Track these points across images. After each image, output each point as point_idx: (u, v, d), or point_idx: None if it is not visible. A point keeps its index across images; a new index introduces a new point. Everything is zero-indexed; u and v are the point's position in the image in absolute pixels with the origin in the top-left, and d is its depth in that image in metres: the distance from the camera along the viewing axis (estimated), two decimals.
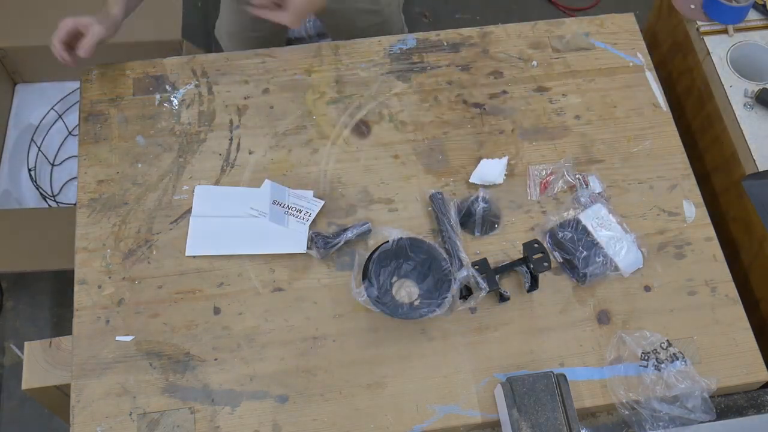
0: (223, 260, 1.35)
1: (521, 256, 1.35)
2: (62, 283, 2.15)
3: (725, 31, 1.70)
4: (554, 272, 1.36)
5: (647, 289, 1.35)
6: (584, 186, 1.43)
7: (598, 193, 1.41)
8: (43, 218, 1.99)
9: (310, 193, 1.41)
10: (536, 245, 1.31)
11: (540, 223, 1.39)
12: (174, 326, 1.29)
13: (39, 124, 2.18)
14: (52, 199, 2.09)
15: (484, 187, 1.41)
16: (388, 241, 1.30)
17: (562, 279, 1.35)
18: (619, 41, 1.61)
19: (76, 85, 2.16)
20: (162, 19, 2.12)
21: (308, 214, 1.37)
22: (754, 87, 1.62)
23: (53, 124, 2.18)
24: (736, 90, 1.63)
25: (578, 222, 1.36)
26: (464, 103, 1.53)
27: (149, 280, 1.32)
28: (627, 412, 1.23)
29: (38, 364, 1.29)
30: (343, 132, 1.48)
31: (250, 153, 1.45)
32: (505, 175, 1.44)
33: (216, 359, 1.26)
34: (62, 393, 1.32)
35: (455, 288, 1.26)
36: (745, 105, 1.61)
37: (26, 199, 2.11)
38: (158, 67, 1.54)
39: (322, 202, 1.39)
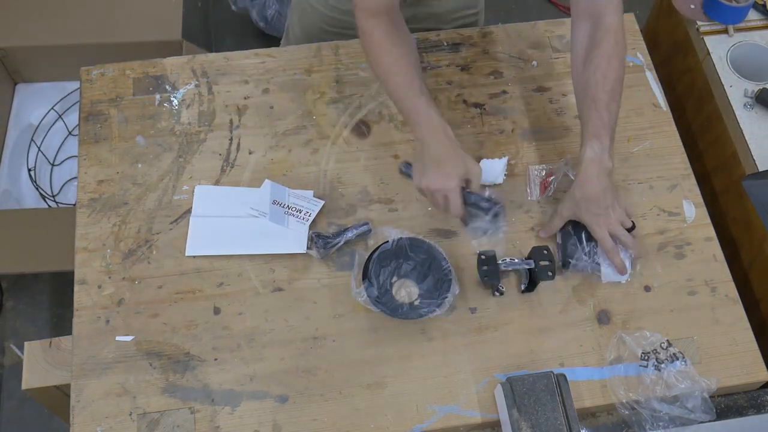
0: (223, 260, 1.35)
1: (522, 255, 1.35)
2: (62, 283, 2.15)
3: (725, 31, 1.70)
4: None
5: (647, 289, 1.35)
6: None
7: None
8: (43, 218, 1.99)
9: (310, 193, 1.41)
10: (545, 252, 1.31)
11: (541, 222, 1.39)
12: (174, 326, 1.29)
13: (39, 124, 2.18)
14: (52, 199, 2.09)
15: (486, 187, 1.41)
16: (388, 241, 1.30)
17: (562, 279, 1.35)
18: None
19: (76, 85, 2.16)
20: (162, 19, 2.12)
21: (308, 214, 1.37)
22: (754, 87, 1.62)
23: (53, 124, 2.18)
24: (736, 90, 1.63)
25: None
26: (464, 103, 1.53)
27: (149, 280, 1.32)
28: (627, 412, 1.23)
29: (38, 364, 1.29)
30: (343, 132, 1.48)
31: (250, 153, 1.45)
32: (505, 175, 1.44)
33: (216, 359, 1.26)
34: (62, 393, 1.32)
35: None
36: (745, 105, 1.61)
37: (26, 199, 2.11)
38: (158, 67, 1.54)
39: (322, 202, 1.39)
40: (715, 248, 1.40)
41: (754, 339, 1.32)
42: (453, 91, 1.54)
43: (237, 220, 1.37)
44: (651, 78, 1.57)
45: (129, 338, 1.27)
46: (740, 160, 1.57)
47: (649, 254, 1.38)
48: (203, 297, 1.31)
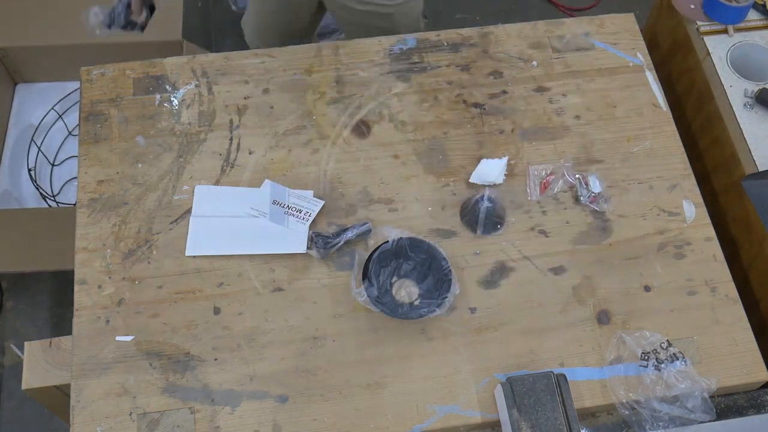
0: (223, 260, 1.35)
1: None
2: (62, 283, 2.15)
3: (725, 31, 1.70)
4: (555, 271, 1.36)
5: (647, 289, 1.35)
6: (584, 186, 1.43)
7: (598, 193, 1.41)
8: (43, 218, 1.99)
9: (310, 193, 1.41)
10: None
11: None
12: (174, 326, 1.29)
13: (39, 124, 2.18)
14: (52, 199, 2.09)
15: (486, 187, 1.41)
16: (388, 241, 1.30)
17: (562, 279, 1.35)
18: (619, 41, 1.61)
19: (76, 85, 2.16)
20: (162, 19, 2.11)
21: (308, 214, 1.37)
22: (754, 87, 1.62)
23: (53, 124, 2.18)
24: (736, 90, 1.63)
25: None
26: (464, 103, 1.53)
27: (149, 280, 1.32)
28: (627, 412, 1.23)
29: (38, 364, 1.29)
30: (343, 132, 1.48)
31: (250, 153, 1.45)
32: (505, 175, 1.44)
33: (216, 359, 1.26)
34: (62, 393, 1.32)
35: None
36: (745, 105, 1.61)
37: (26, 199, 2.11)
38: (158, 67, 1.54)
39: (322, 202, 1.39)
40: (715, 248, 1.40)
41: (754, 339, 1.32)
42: (453, 91, 1.54)
43: (237, 220, 1.37)
44: (651, 78, 1.57)
45: (129, 338, 1.27)
46: (740, 160, 1.57)
47: (649, 254, 1.38)
48: (203, 297, 1.31)
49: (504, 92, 1.54)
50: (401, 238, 1.30)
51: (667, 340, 1.29)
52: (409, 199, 1.42)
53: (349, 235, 1.34)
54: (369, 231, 1.36)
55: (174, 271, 1.33)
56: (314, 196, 1.40)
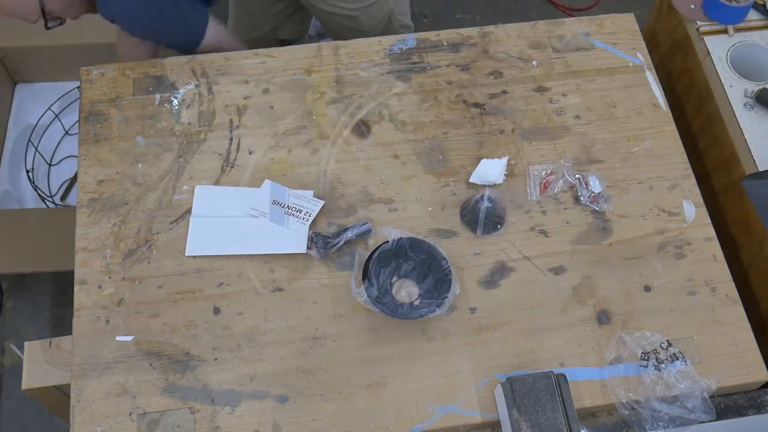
0: (223, 260, 1.35)
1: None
2: (62, 283, 2.15)
3: (725, 31, 1.70)
4: (555, 271, 1.36)
5: (647, 289, 1.35)
6: (584, 186, 1.43)
7: (598, 193, 1.42)
8: (43, 218, 1.99)
9: (310, 193, 1.41)
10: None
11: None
12: (174, 326, 1.29)
13: (36, 125, 2.18)
14: (51, 200, 2.09)
15: (486, 187, 1.41)
16: (388, 241, 1.30)
17: (562, 279, 1.35)
18: (619, 41, 1.61)
19: (76, 85, 2.16)
20: None
21: (308, 214, 1.37)
22: (754, 87, 1.62)
23: (49, 124, 2.18)
24: (736, 90, 1.63)
25: None
26: (464, 103, 1.53)
27: (149, 280, 1.32)
28: (627, 412, 1.23)
29: (38, 364, 1.29)
30: (343, 132, 1.48)
31: (250, 153, 1.45)
32: (505, 175, 1.44)
33: (216, 359, 1.26)
34: (62, 393, 1.32)
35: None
36: (745, 105, 1.61)
37: (26, 200, 2.11)
38: (158, 67, 1.54)
39: (322, 202, 1.39)
40: (715, 248, 1.40)
41: (754, 339, 1.32)
42: (453, 91, 1.54)
43: (237, 220, 1.37)
44: (651, 78, 1.57)
45: (129, 338, 1.27)
46: (740, 160, 1.57)
47: (649, 254, 1.38)
48: (203, 297, 1.31)
49: (504, 92, 1.54)
50: (401, 238, 1.30)
51: (667, 340, 1.29)
52: (409, 199, 1.42)
53: (349, 235, 1.34)
54: (369, 231, 1.36)
55: (174, 271, 1.33)
56: (314, 196, 1.40)
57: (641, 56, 1.60)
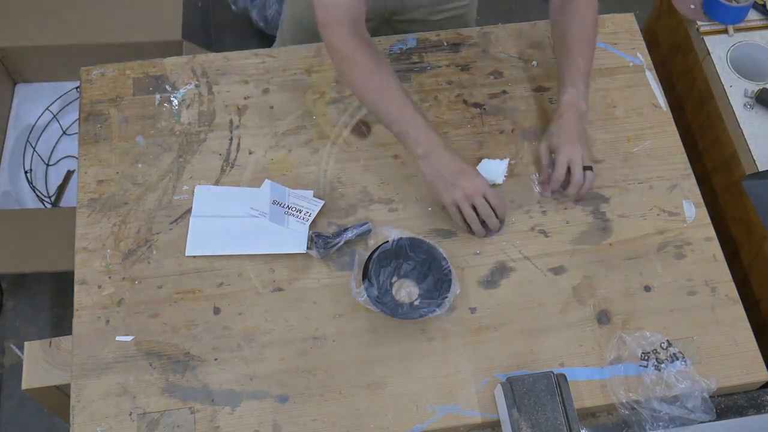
0: (223, 260, 1.35)
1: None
2: (62, 283, 2.15)
3: (725, 31, 1.70)
4: (555, 271, 1.36)
5: (647, 289, 1.35)
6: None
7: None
8: (43, 218, 1.99)
9: (310, 193, 1.41)
10: None
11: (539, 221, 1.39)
12: (174, 326, 1.29)
13: (34, 125, 2.18)
14: (48, 200, 2.09)
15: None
16: (388, 241, 1.30)
17: (562, 279, 1.35)
18: (619, 41, 1.61)
19: (75, 85, 2.16)
20: (162, 19, 2.12)
21: (308, 214, 1.37)
22: (754, 87, 1.62)
23: (47, 124, 2.18)
24: (736, 90, 1.63)
25: None
26: (464, 103, 1.53)
27: (149, 280, 1.32)
28: (627, 412, 1.23)
29: (38, 364, 1.29)
30: (343, 132, 1.48)
31: (250, 153, 1.45)
32: (505, 176, 1.44)
33: (216, 359, 1.26)
34: (62, 393, 1.32)
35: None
36: (745, 105, 1.61)
37: (26, 200, 2.11)
38: (158, 67, 1.54)
39: (322, 202, 1.39)
40: (715, 248, 1.40)
41: (754, 339, 1.32)
42: (453, 91, 1.54)
43: (237, 220, 1.37)
44: (651, 78, 1.57)
45: (129, 338, 1.27)
46: (740, 160, 1.57)
47: (649, 254, 1.38)
48: (203, 297, 1.31)
49: (504, 92, 1.54)
50: (401, 238, 1.30)
51: (667, 340, 1.29)
52: (409, 199, 1.42)
53: (349, 235, 1.34)
54: (369, 231, 1.36)
55: (174, 271, 1.33)
56: (314, 196, 1.40)
57: (641, 56, 1.60)
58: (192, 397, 1.23)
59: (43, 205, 2.08)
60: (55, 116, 2.18)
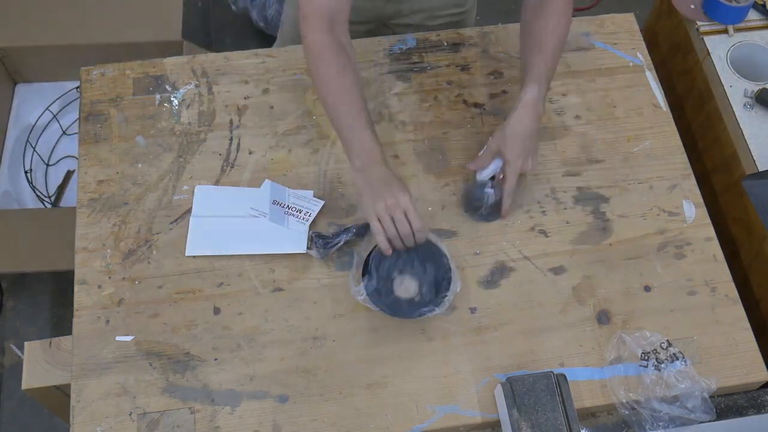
0: (223, 260, 1.35)
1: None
2: (62, 283, 2.15)
3: (725, 31, 1.70)
4: (555, 271, 1.36)
5: (647, 289, 1.35)
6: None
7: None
8: (43, 218, 1.99)
9: (310, 193, 1.41)
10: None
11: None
12: (174, 326, 1.29)
13: (34, 125, 2.18)
14: (48, 200, 2.09)
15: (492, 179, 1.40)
16: None
17: (562, 279, 1.35)
18: (619, 41, 1.61)
19: (75, 85, 2.16)
20: (162, 19, 2.12)
21: (308, 214, 1.37)
22: (754, 87, 1.62)
23: (47, 124, 2.18)
24: (736, 90, 1.63)
25: None
26: (464, 103, 1.53)
27: (149, 280, 1.32)
28: (627, 412, 1.23)
29: (38, 364, 1.29)
30: None
31: (250, 153, 1.45)
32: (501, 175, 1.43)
33: (216, 359, 1.26)
34: (62, 393, 1.32)
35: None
36: (745, 105, 1.61)
37: (26, 200, 2.11)
38: (158, 67, 1.54)
39: (322, 202, 1.39)
40: (715, 248, 1.40)
41: (754, 339, 1.32)
42: (453, 91, 1.54)
43: (237, 220, 1.37)
44: (651, 78, 1.57)
45: (129, 338, 1.27)
46: (740, 160, 1.57)
47: (649, 254, 1.38)
48: (203, 297, 1.31)
49: (504, 92, 1.54)
50: None
51: (667, 340, 1.29)
52: None
53: (349, 235, 1.34)
54: (369, 231, 1.36)
55: (174, 271, 1.33)
56: (314, 196, 1.40)
57: (641, 56, 1.60)
58: (192, 397, 1.23)
59: (43, 205, 2.08)
60: (55, 116, 2.18)
